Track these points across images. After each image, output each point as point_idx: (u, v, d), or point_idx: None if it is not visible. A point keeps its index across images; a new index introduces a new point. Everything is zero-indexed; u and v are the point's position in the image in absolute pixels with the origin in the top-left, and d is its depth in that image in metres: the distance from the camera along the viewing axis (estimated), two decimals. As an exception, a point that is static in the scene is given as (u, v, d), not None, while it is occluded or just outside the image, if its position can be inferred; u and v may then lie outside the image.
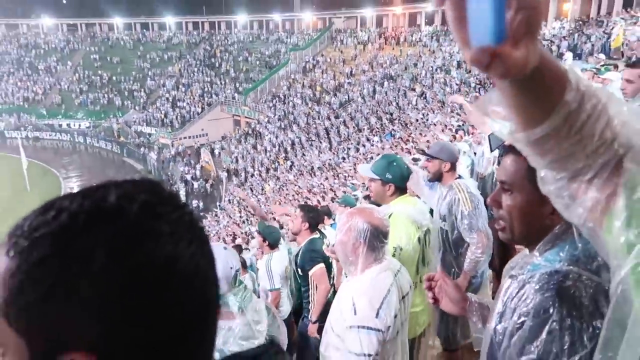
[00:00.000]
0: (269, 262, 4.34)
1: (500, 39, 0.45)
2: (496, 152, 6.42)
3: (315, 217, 4.11)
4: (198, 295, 0.52)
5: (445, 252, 3.43)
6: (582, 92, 0.54)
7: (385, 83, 30.86)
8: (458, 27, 0.48)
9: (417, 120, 22.74)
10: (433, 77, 28.15)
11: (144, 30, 51.70)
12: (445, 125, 16.32)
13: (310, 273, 3.83)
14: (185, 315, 0.50)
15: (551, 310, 1.03)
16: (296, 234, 4.16)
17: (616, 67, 8.51)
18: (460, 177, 3.42)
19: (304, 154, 27.07)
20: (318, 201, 15.81)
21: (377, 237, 2.05)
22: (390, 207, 2.79)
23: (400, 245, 2.62)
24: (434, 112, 22.49)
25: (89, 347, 0.46)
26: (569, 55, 17.00)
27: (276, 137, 30.88)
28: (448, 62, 29.31)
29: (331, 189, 17.71)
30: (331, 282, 3.94)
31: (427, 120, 21.66)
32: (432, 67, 29.78)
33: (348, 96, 31.80)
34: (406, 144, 18.29)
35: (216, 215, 24.33)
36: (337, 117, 29.54)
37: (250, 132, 34.21)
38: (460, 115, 17.19)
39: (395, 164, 2.87)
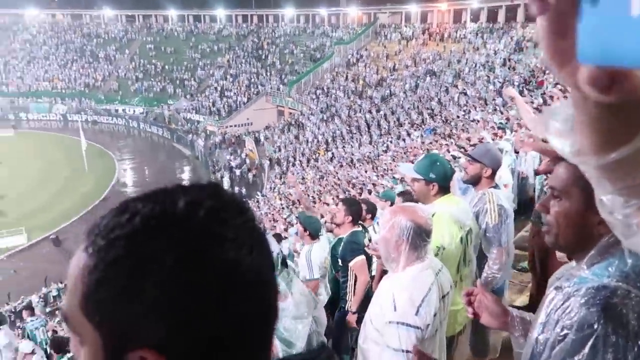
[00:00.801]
0: (309, 252, 4.34)
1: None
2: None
3: (357, 210, 4.20)
4: (259, 299, 0.54)
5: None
6: None
7: (428, 79, 31.14)
8: (556, 37, 0.43)
9: (458, 116, 23.04)
10: (476, 74, 28.25)
11: (196, 22, 53.73)
12: (487, 122, 16.62)
13: (350, 264, 3.88)
14: (246, 318, 0.53)
15: (596, 326, 1.01)
16: (339, 225, 4.26)
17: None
18: (496, 186, 3.33)
19: (344, 146, 27.85)
20: (358, 193, 16.54)
21: (419, 236, 2.06)
22: (433, 206, 2.77)
23: (443, 244, 2.61)
24: (475, 109, 22.73)
25: (157, 346, 0.49)
26: None
27: (318, 129, 31.79)
28: (492, 60, 29.30)
29: (372, 183, 18.30)
30: (370, 275, 3.99)
31: (469, 117, 21.96)
32: (475, 64, 29.85)
33: (390, 90, 32.27)
34: (446, 140, 18.73)
35: (257, 202, 25.54)
36: (378, 110, 30.12)
37: (293, 122, 35.30)
38: (502, 113, 17.44)
39: (438, 163, 2.86)
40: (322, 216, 14.03)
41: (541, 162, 4.33)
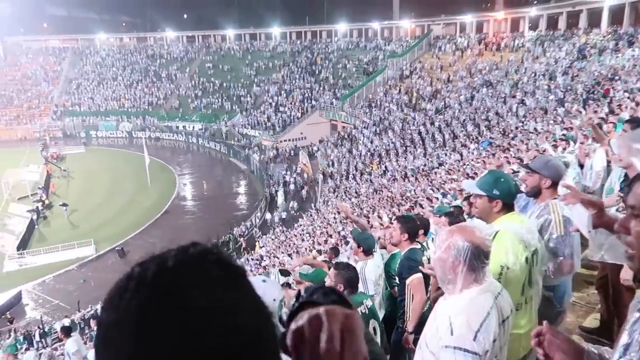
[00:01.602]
0: (363, 269, 4.27)
1: None
2: (605, 164, 6.09)
3: (413, 227, 4.12)
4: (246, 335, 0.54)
5: None
6: None
7: (484, 89, 30.39)
8: None
9: (517, 127, 22.29)
10: (535, 84, 27.27)
11: (252, 41, 55.53)
12: (549, 133, 15.95)
13: (407, 281, 3.82)
14: None
15: None
16: (396, 244, 4.19)
17: None
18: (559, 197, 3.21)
19: (397, 160, 27.62)
20: (411, 207, 16.30)
21: (477, 257, 1.98)
22: (496, 224, 2.69)
23: (507, 264, 2.49)
24: (535, 119, 21.91)
25: None
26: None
27: (371, 142, 31.74)
28: (552, 68, 28.20)
29: (427, 197, 17.96)
30: (427, 294, 3.90)
31: (528, 128, 21.19)
32: (534, 73, 28.82)
33: (444, 102, 31.74)
34: (504, 153, 18.11)
35: (311, 215, 25.76)
36: (432, 123, 29.69)
37: (346, 136, 35.45)
38: (564, 123, 16.69)
39: (503, 179, 2.76)
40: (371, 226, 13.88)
41: (623, 187, 4.06)
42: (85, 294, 20.15)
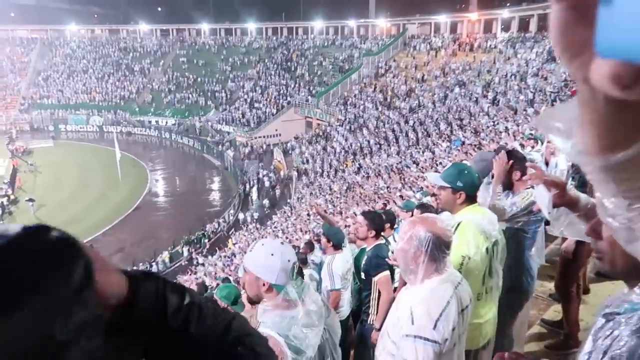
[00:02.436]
0: (331, 263, 4.36)
1: None
2: (570, 162, 6.13)
3: (380, 222, 4.18)
4: None
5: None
6: None
7: (457, 89, 30.85)
8: (574, 27, 0.40)
9: (487, 127, 22.73)
10: (507, 84, 27.83)
11: (228, 36, 54.95)
12: (516, 134, 16.35)
13: (375, 279, 3.87)
14: None
15: None
16: (362, 239, 4.23)
17: None
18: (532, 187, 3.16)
19: (371, 157, 27.80)
20: (384, 204, 16.46)
21: (439, 247, 2.01)
22: (459, 215, 2.76)
23: (469, 254, 2.55)
24: (506, 119, 22.39)
25: None
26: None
27: (346, 140, 31.85)
28: (523, 70, 28.82)
29: (400, 195, 18.21)
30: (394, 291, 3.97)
31: (498, 127, 21.64)
32: (506, 73, 29.42)
33: (419, 101, 32.08)
34: (475, 151, 18.47)
35: (285, 212, 25.72)
36: (406, 122, 29.98)
37: (321, 133, 35.48)
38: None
39: (466, 172, 2.83)
40: (346, 226, 13.96)
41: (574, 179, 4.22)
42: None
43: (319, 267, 6.53)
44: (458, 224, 2.64)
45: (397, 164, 24.43)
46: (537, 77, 26.42)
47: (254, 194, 30.43)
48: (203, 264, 21.44)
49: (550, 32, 0.43)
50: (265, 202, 28.98)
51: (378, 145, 28.85)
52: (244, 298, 3.62)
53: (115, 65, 53.07)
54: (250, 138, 38.94)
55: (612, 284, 5.02)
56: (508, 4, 46.27)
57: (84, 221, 26.03)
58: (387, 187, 21.10)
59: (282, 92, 43.91)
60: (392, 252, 3.90)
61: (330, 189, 25.64)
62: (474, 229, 2.63)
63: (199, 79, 49.09)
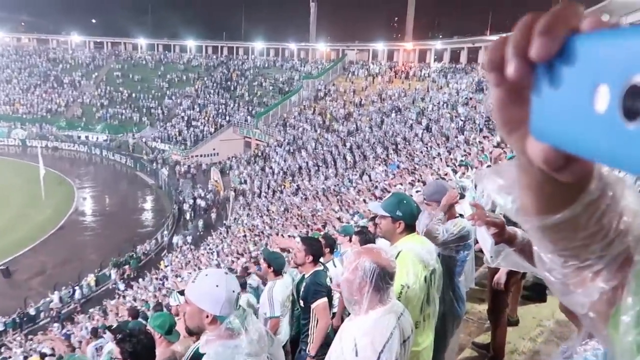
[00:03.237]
0: (271, 289, 4.28)
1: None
2: None
3: (318, 248, 4.11)
4: None
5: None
6: (604, 182, 0.52)
7: (393, 115, 31.92)
8: (510, 103, 0.44)
9: (421, 152, 23.59)
10: (439, 112, 29.16)
11: (166, 52, 53.85)
12: (448, 160, 17.06)
13: (312, 306, 3.81)
14: None
15: None
16: (300, 265, 4.13)
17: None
18: (462, 215, 3.45)
19: (310, 179, 27.96)
20: (323, 226, 16.51)
21: (383, 278, 2.02)
22: (399, 245, 2.79)
23: (408, 283, 2.58)
24: (438, 145, 23.36)
25: None
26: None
27: (284, 161, 31.89)
28: (455, 99, 30.36)
29: (337, 217, 18.31)
30: (331, 318, 3.94)
31: (430, 153, 22.51)
32: (439, 102, 30.85)
33: (356, 125, 32.85)
34: (410, 175, 19.10)
35: (221, 233, 25.15)
36: (344, 144, 30.55)
37: (259, 154, 35.32)
38: (465, 151, 17.96)
39: (405, 202, 2.86)
40: (288, 251, 13.86)
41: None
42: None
43: (255, 291, 6.45)
44: (398, 253, 2.66)
45: (335, 186, 24.71)
46: (467, 106, 27.91)
47: (189, 214, 29.57)
48: (132, 287, 20.42)
49: (493, 109, 0.47)
50: (200, 222, 28.23)
51: (316, 167, 29.10)
52: (180, 327, 3.46)
53: (42, 76, 50.29)
54: (186, 157, 38.02)
55: (536, 307, 5.34)
56: (440, 36, 48.96)
57: (1, 240, 24.10)
58: (325, 209, 21.23)
59: (221, 111, 43.41)
60: (330, 279, 3.95)
61: (268, 210, 25.43)
62: (413, 258, 2.67)
63: (134, 95, 47.50)
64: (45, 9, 63.78)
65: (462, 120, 25.82)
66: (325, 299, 3.80)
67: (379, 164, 24.84)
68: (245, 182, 31.61)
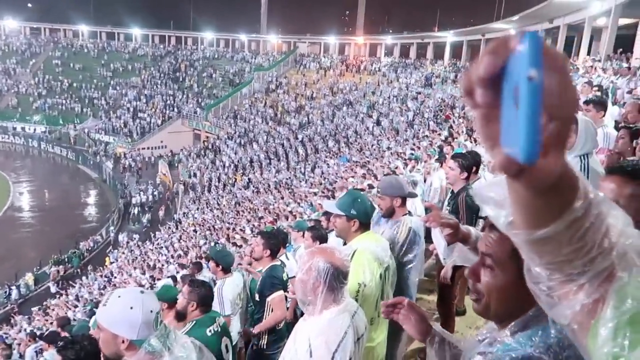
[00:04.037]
0: (220, 287, 4.18)
1: (531, 155, 0.44)
2: (444, 183, 6.63)
3: (276, 243, 4.13)
4: None
5: None
6: (589, 201, 0.55)
7: (344, 108, 32.13)
8: (486, 122, 0.50)
9: (372, 145, 23.87)
10: (389, 106, 29.61)
11: (110, 40, 51.53)
12: (399, 153, 17.32)
13: (268, 299, 3.83)
14: None
15: None
16: (257, 260, 4.16)
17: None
18: (409, 213, 3.47)
19: (261, 172, 27.71)
20: (274, 219, 16.39)
21: (337, 278, 2.03)
22: (354, 243, 2.80)
23: (365, 281, 2.60)
24: (388, 139, 23.70)
25: None
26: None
27: (235, 154, 31.43)
28: (404, 93, 30.91)
29: (289, 210, 18.19)
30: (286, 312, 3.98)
31: (381, 146, 22.81)
32: (389, 96, 31.32)
33: (308, 118, 32.83)
34: (361, 169, 19.25)
35: (169, 228, 24.51)
36: (296, 137, 30.46)
37: (209, 147, 34.63)
38: (414, 145, 18.28)
39: (359, 200, 2.87)
40: (240, 246, 13.72)
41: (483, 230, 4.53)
42: None
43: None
44: (354, 252, 2.68)
45: (287, 179, 24.61)
46: (416, 101, 28.49)
47: (136, 209, 28.60)
48: (74, 286, 19.54)
49: (477, 129, 0.53)
50: (148, 217, 27.37)
51: (268, 160, 28.87)
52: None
53: (-28, 63, 46.93)
54: (132, 149, 36.66)
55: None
56: (390, 31, 49.69)
57: None
58: (276, 203, 21.09)
59: (168, 102, 42.10)
60: (287, 276, 3.97)
61: (219, 204, 25.01)
62: (368, 257, 2.68)
63: (74, 84, 45.16)
64: (-25, -9, 59.33)
65: (411, 114, 26.33)
66: (281, 292, 3.82)
67: (331, 157, 24.93)
68: (195, 175, 30.93)
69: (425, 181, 7.73)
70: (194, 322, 3.17)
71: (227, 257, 4.49)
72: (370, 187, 10.20)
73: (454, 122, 19.31)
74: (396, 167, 12.24)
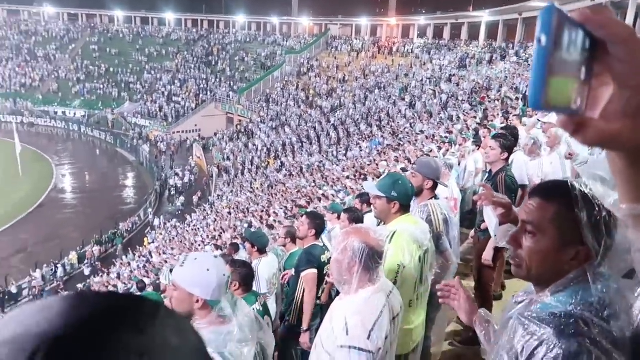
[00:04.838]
0: (257, 267, 4.26)
1: (535, 106, 0.47)
2: (479, 166, 6.80)
3: (321, 224, 4.20)
4: None
5: None
6: None
7: (376, 91, 31.80)
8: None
9: (405, 129, 23.60)
10: (422, 89, 29.14)
11: (144, 25, 52.43)
12: (433, 136, 17.10)
13: (302, 274, 3.86)
14: None
15: (558, 351, 1.04)
16: (302, 239, 4.21)
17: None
18: (436, 197, 3.45)
19: (294, 155, 27.87)
20: (307, 202, 16.53)
21: (372, 258, 2.04)
22: (393, 225, 2.80)
23: (404, 262, 2.60)
24: (422, 122, 23.38)
25: None
26: None
27: (268, 137, 31.68)
28: (438, 75, 30.34)
29: (322, 193, 18.28)
30: (319, 294, 3.98)
31: (415, 129, 22.52)
32: (422, 78, 30.80)
33: (340, 101, 32.68)
34: (394, 152, 19.09)
35: (204, 210, 25.06)
36: (328, 121, 30.42)
37: (242, 130, 34.99)
38: (448, 128, 18.00)
39: (400, 182, 2.86)
40: (272, 227, 13.89)
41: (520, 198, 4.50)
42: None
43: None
44: (393, 233, 2.68)
45: (319, 162, 24.69)
46: (450, 83, 27.94)
47: (172, 191, 29.34)
48: (115, 265, 20.34)
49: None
50: (183, 199, 28.05)
51: (300, 144, 28.99)
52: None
53: (15, 50, 48.58)
54: (168, 133, 37.46)
55: (518, 281, 5.46)
56: (423, 11, 48.57)
57: (-22, 220, 23.66)
58: (309, 186, 21.23)
59: (202, 86, 42.68)
60: (328, 260, 3.94)
61: (252, 187, 25.36)
62: (407, 238, 2.69)
63: (111, 69, 46.31)
64: (16, -21, 61.05)
65: (445, 97, 25.87)
66: (315, 270, 3.84)
67: (363, 141, 24.82)
68: (229, 158, 31.38)
69: (459, 164, 7.69)
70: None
71: (262, 238, 4.58)
72: (404, 170, 10.15)
73: (489, 103, 18.91)
74: (430, 151, 12.12)
